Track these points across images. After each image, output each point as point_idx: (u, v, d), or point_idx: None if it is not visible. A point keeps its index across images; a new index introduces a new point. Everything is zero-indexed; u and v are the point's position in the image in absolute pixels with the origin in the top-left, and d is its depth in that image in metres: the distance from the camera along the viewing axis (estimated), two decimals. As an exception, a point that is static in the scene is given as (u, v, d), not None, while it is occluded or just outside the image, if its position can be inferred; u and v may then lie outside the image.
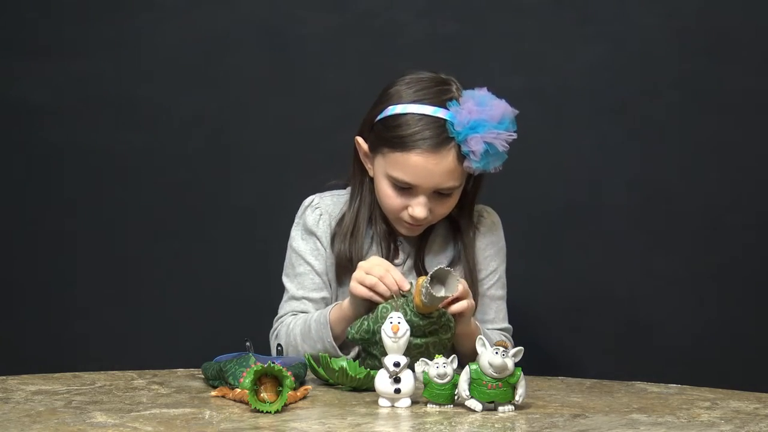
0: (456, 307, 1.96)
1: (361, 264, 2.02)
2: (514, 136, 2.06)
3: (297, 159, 2.72)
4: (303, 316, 2.14)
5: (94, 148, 2.78)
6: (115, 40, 2.78)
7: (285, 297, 2.21)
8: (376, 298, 1.97)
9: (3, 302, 2.82)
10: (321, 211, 2.21)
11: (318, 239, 2.19)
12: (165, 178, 2.77)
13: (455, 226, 2.20)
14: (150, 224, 2.78)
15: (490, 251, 2.22)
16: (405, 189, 2.09)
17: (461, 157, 2.06)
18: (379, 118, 2.11)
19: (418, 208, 2.09)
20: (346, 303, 2.04)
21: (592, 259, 2.66)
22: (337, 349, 2.05)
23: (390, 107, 2.10)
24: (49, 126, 2.80)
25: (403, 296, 1.94)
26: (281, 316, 2.19)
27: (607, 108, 2.64)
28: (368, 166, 2.16)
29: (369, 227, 2.18)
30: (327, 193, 2.24)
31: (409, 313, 1.90)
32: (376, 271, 1.97)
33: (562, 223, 2.66)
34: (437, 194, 2.10)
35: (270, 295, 2.26)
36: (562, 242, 2.67)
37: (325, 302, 2.17)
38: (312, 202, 2.23)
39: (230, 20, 2.75)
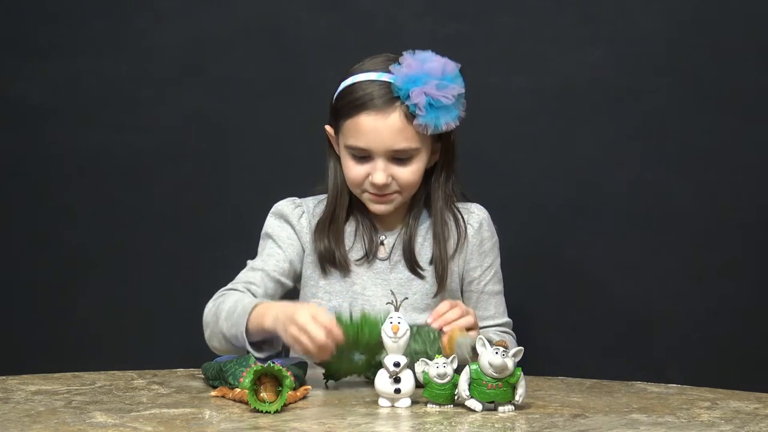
0: (464, 321, 1.96)
1: (303, 323, 1.87)
2: (460, 89, 2.09)
3: (297, 159, 2.71)
4: (242, 294, 2.09)
5: (94, 148, 2.78)
6: (115, 40, 2.78)
7: (243, 270, 2.19)
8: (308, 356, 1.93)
9: (3, 302, 2.82)
10: (303, 209, 2.23)
11: (293, 228, 2.20)
12: (165, 178, 2.77)
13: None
14: (150, 224, 2.78)
15: (485, 247, 2.23)
16: (363, 158, 2.13)
17: (411, 116, 2.09)
18: (334, 97, 2.17)
19: (378, 174, 2.11)
20: (270, 321, 1.93)
21: (591, 258, 2.65)
22: (247, 341, 1.96)
23: (342, 83, 2.16)
24: (49, 126, 2.79)
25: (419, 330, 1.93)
26: (231, 286, 2.14)
27: (607, 107, 2.64)
28: (338, 150, 2.19)
29: (351, 221, 2.19)
30: (309, 197, 2.26)
31: (429, 352, 1.89)
32: (316, 334, 1.85)
33: (562, 223, 2.66)
34: (395, 160, 2.12)
35: (270, 295, 2.26)
36: (562, 242, 2.67)
37: (278, 288, 2.16)
38: (294, 200, 2.25)
39: (230, 20, 2.75)
